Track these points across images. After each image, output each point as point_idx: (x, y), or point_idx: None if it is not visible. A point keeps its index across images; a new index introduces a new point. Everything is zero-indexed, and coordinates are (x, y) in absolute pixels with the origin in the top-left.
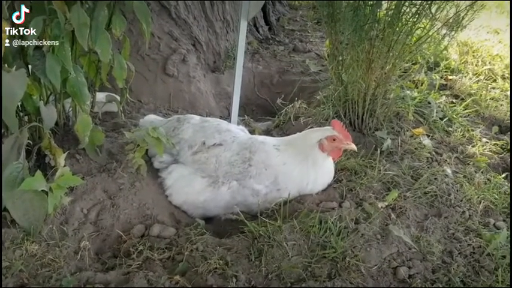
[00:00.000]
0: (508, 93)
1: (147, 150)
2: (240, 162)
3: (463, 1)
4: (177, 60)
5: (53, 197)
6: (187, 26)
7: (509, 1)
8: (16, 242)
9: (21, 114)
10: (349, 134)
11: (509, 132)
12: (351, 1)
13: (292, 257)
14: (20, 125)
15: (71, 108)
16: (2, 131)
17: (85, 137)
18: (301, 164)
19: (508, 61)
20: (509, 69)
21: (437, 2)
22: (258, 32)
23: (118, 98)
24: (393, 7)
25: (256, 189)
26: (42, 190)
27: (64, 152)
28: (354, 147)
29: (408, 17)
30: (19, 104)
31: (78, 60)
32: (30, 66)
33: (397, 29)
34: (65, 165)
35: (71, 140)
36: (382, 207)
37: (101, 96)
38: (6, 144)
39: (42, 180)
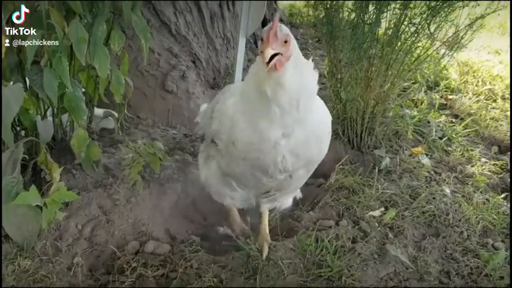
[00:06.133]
0: (508, 113)
1: (143, 166)
2: (207, 116)
3: (462, 21)
4: (177, 76)
5: (48, 212)
6: (187, 42)
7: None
8: (9, 257)
9: (17, 128)
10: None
11: (508, 153)
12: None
13: (287, 275)
14: (16, 140)
15: (68, 123)
16: None
17: (81, 152)
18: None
19: (508, 82)
20: (509, 90)
21: (436, 21)
22: None
23: (116, 114)
24: (392, 26)
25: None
26: (37, 205)
27: (60, 167)
28: (265, 56)
29: (407, 35)
30: (16, 118)
31: (76, 75)
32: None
33: (396, 47)
34: (60, 180)
35: (67, 155)
36: (374, 216)
37: (99, 112)
38: (1, 158)
39: (36, 195)
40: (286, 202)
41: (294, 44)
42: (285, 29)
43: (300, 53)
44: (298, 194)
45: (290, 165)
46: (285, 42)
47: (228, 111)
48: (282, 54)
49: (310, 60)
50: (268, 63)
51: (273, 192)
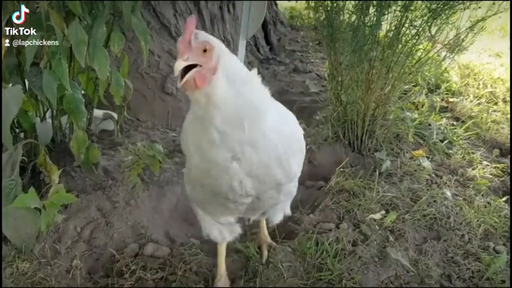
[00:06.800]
0: (509, 116)
1: (143, 168)
2: None
3: (463, 24)
4: (177, 78)
5: (46, 215)
6: None
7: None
8: (7, 260)
9: (16, 130)
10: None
11: (509, 155)
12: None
13: (287, 278)
14: (15, 141)
15: (68, 125)
16: None
17: (80, 155)
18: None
19: (509, 84)
20: (509, 92)
21: (436, 24)
22: (259, 52)
23: (115, 116)
24: (393, 28)
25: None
26: (36, 207)
27: (59, 169)
28: (174, 69)
29: (408, 38)
30: (15, 120)
31: (76, 77)
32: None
33: (397, 50)
34: (59, 183)
35: (67, 157)
36: (375, 219)
37: (98, 114)
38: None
39: (35, 197)
40: (275, 218)
41: (221, 52)
42: (203, 36)
43: (240, 63)
44: (287, 211)
45: (251, 189)
46: (204, 51)
47: (185, 130)
48: (201, 66)
49: (255, 71)
50: (183, 77)
51: (247, 215)
